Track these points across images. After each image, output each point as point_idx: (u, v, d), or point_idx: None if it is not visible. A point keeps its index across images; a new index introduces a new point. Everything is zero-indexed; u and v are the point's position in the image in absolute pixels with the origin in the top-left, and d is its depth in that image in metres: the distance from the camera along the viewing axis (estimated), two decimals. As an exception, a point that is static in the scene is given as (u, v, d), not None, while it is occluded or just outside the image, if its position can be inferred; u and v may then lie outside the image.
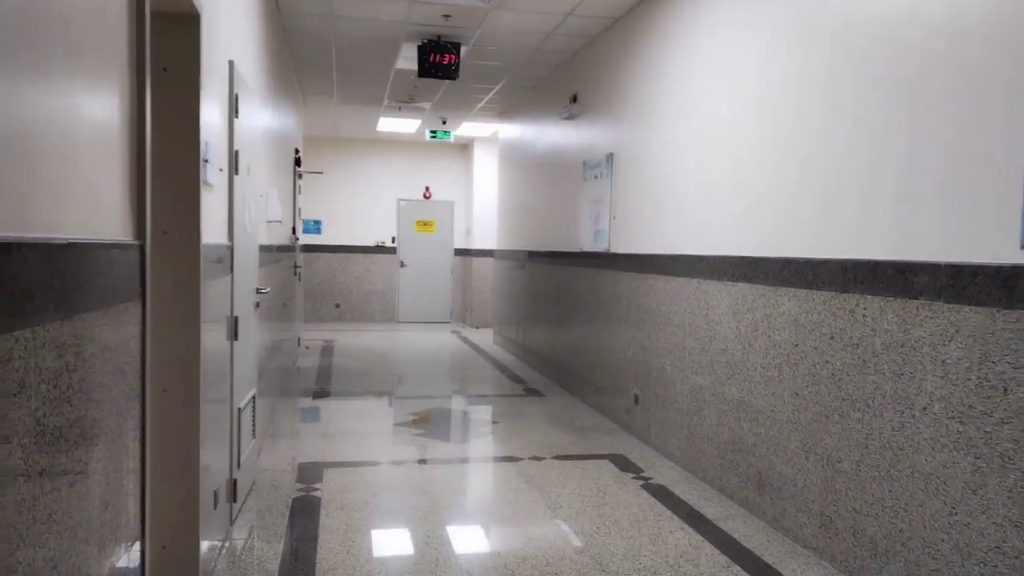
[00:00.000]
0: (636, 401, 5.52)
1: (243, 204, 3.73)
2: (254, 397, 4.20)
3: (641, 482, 4.48)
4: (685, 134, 4.86)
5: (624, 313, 5.78)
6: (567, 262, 7.29)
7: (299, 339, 9.31)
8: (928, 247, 2.78)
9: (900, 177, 2.94)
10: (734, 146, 4.24)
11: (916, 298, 2.81)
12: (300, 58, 7.65)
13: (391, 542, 3.54)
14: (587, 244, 6.70)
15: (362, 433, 5.57)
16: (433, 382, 8.00)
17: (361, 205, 13.19)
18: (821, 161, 3.44)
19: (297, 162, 8.48)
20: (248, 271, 3.97)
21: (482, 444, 5.41)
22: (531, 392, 7.27)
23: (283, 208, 6.43)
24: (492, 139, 12.46)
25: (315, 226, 12.94)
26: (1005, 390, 2.44)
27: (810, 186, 3.52)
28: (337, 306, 13.17)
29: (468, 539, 3.61)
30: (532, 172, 8.87)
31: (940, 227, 2.73)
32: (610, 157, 6.16)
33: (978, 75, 2.59)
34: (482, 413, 6.42)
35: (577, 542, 3.55)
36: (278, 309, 6.07)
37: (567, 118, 7.30)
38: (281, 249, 6.32)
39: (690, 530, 3.72)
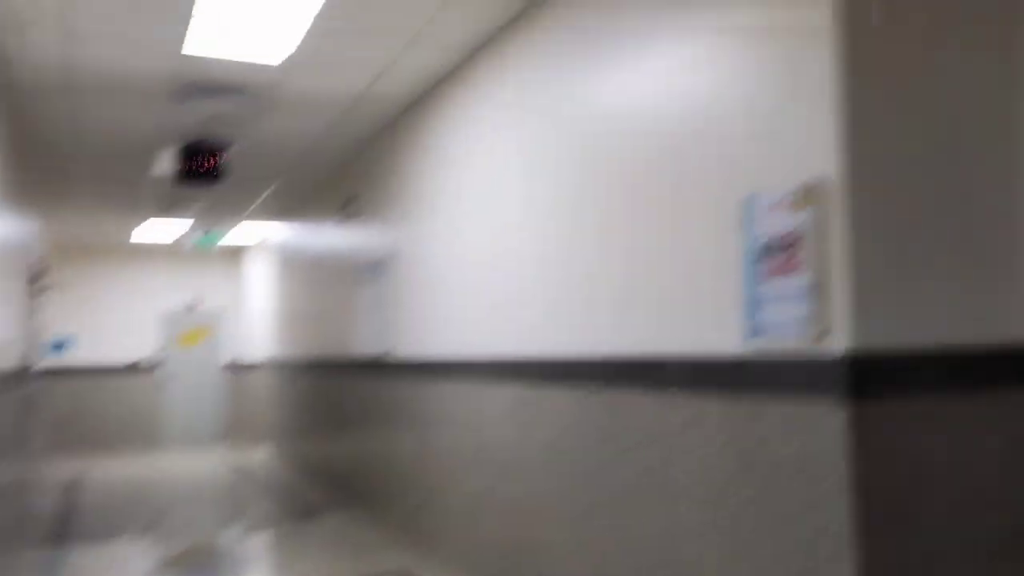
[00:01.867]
0: (419, 510, 5.32)
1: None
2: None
3: (425, 600, 4.26)
4: (459, 237, 4.94)
5: (404, 419, 5.64)
6: (346, 369, 7.06)
7: (39, 478, 8.11)
8: (676, 342, 2.96)
9: (649, 280, 3.14)
10: (505, 248, 4.36)
11: (665, 390, 2.97)
12: (43, 163, 6.97)
13: None
14: (366, 349, 6.53)
15: (109, 582, 4.86)
16: (200, 513, 7.25)
17: (119, 320, 12.06)
18: (580, 266, 3.61)
19: (37, 276, 7.60)
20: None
21: (253, 578, 4.91)
22: (310, 512, 6.81)
23: (11, 328, 5.67)
24: (266, 243, 12.06)
25: (62, 347, 11.60)
26: (746, 472, 2.60)
27: (573, 288, 3.67)
28: (88, 435, 11.74)
29: None
30: (309, 276, 8.62)
31: (686, 324, 2.93)
32: (387, 259, 6.13)
33: (709, 198, 2.86)
34: (254, 544, 5.87)
35: None
36: (3, 445, 5.24)
37: (344, 219, 7.22)
38: (7, 378, 5.53)
39: (475, 647, 3.55)
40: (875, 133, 2.37)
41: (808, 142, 2.41)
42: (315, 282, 8.29)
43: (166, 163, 6.97)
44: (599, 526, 3.36)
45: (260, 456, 10.59)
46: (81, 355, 11.74)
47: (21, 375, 6.40)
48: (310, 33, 4.31)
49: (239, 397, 12.47)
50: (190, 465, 10.11)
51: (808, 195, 2.38)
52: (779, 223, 2.48)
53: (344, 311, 7.14)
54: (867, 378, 2.27)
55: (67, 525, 6.49)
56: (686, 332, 2.90)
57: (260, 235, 11.24)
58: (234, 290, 12.83)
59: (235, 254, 12.86)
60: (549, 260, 3.83)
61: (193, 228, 10.35)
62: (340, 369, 7.20)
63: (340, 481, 7.19)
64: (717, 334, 2.74)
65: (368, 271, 6.50)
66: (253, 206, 9.25)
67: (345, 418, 7.07)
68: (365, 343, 6.51)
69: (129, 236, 10.77)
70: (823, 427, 2.32)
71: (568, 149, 3.68)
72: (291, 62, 4.75)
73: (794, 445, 2.41)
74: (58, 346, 11.53)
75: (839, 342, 2.29)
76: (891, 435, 2.30)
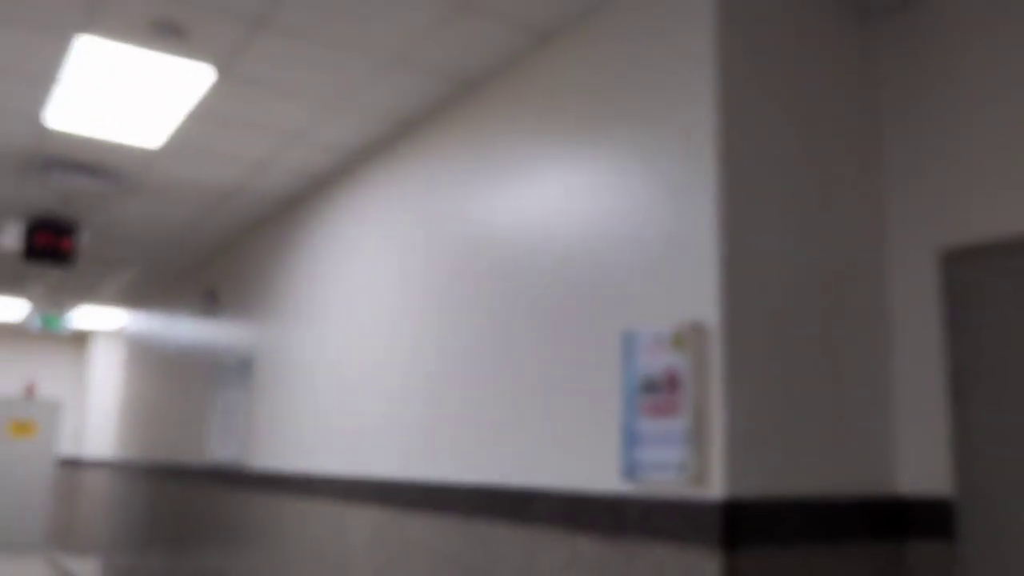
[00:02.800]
0: (261, 642, 4.80)
1: None
2: None
3: None
4: (327, 345, 4.69)
5: (258, 537, 5.15)
6: (196, 476, 6.46)
7: None
8: (552, 475, 2.82)
9: (525, 408, 3.02)
10: (376, 362, 4.15)
11: (537, 525, 2.80)
12: None
13: None
14: (219, 456, 6.02)
15: None
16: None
17: (-65, 403, 10.76)
18: (453, 387, 3.45)
19: None
20: None
21: None
22: (136, 637, 6.04)
23: None
24: (116, 331, 11.20)
25: None
26: (619, 622, 2.45)
27: (445, 410, 3.49)
28: None
29: None
30: (163, 372, 8.00)
31: (562, 457, 2.80)
32: (249, 362, 5.75)
33: (590, 328, 2.81)
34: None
35: None
36: None
37: (205, 316, 6.78)
38: None
39: None
40: (754, 280, 2.41)
41: (689, 282, 2.41)
42: (167, 378, 7.69)
43: (11, 237, 6.39)
44: (459, 672, 3.08)
45: (87, 569, 9.46)
46: None
47: None
48: (186, 120, 4.10)
49: (70, 499, 11.22)
50: (6, 575, 8.89)
51: (687, 336, 2.36)
52: (659, 361, 2.44)
53: (197, 413, 6.60)
54: (742, 526, 2.21)
55: None
56: (562, 466, 2.77)
57: (110, 321, 10.44)
58: (76, 379, 11.76)
59: (81, 340, 11.86)
60: (420, 379, 3.65)
61: (35, 308, 9.49)
62: (187, 476, 6.60)
63: (175, 601, 6.46)
64: (594, 470, 2.63)
65: (226, 372, 6.07)
66: (109, 291, 8.60)
67: (189, 532, 6.42)
68: (218, 449, 6.00)
69: (-40, 312, 9.75)
70: (699, 571, 2.21)
71: (447, 268, 3.58)
72: (162, 148, 4.50)
73: (669, 596, 2.29)
74: None
75: (715, 488, 2.23)
76: (765, 584, 2.23)
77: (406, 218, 4.00)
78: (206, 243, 6.64)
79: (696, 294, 2.38)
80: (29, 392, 11.42)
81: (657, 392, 2.43)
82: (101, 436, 10.98)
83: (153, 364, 8.33)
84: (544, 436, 2.87)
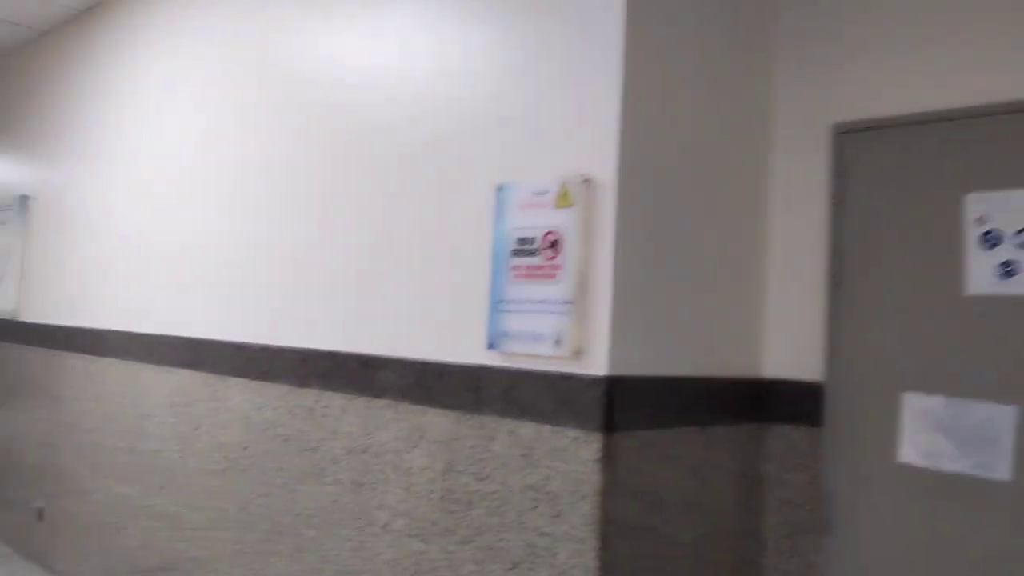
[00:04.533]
0: (40, 516, 4.24)
1: None
2: None
3: (32, 638, 3.31)
4: (127, 185, 3.97)
5: (32, 400, 4.48)
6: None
7: None
8: (404, 343, 2.47)
9: (377, 268, 2.62)
10: (185, 208, 3.54)
11: (381, 397, 2.48)
12: None
13: None
14: (-16, 307, 5.14)
15: None
16: None
17: None
18: (288, 243, 2.96)
19: None
20: None
21: None
22: None
23: None
24: None
25: None
26: (469, 504, 2.21)
27: (271, 268, 3.01)
28: None
29: None
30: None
31: (417, 324, 2.45)
32: (24, 200, 4.84)
33: (458, 182, 2.42)
34: None
35: None
36: None
37: (-33, 142, 5.64)
38: None
39: None
40: (650, 139, 2.12)
41: (581, 133, 2.08)
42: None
43: None
44: (279, 552, 2.77)
45: None
46: None
47: None
48: None
49: None
50: None
51: (575, 191, 2.05)
52: (538, 220, 2.12)
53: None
54: (621, 405, 1.99)
55: None
56: (417, 334, 2.43)
57: None
58: None
59: None
60: (242, 233, 3.14)
61: None
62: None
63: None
64: (454, 340, 2.31)
65: None
66: None
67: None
68: (-13, 298, 5.12)
69: None
70: (572, 455, 2.00)
71: (283, 104, 3.01)
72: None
73: (536, 475, 2.07)
74: None
75: (597, 364, 1.98)
76: (638, 466, 2.04)
77: (237, 49, 3.33)
78: (-28, 52, 5.42)
79: (589, 146, 2.06)
80: None
81: (534, 254, 2.13)
82: None
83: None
84: (397, 302, 2.51)
